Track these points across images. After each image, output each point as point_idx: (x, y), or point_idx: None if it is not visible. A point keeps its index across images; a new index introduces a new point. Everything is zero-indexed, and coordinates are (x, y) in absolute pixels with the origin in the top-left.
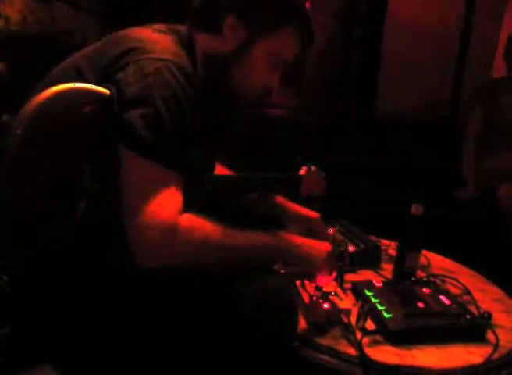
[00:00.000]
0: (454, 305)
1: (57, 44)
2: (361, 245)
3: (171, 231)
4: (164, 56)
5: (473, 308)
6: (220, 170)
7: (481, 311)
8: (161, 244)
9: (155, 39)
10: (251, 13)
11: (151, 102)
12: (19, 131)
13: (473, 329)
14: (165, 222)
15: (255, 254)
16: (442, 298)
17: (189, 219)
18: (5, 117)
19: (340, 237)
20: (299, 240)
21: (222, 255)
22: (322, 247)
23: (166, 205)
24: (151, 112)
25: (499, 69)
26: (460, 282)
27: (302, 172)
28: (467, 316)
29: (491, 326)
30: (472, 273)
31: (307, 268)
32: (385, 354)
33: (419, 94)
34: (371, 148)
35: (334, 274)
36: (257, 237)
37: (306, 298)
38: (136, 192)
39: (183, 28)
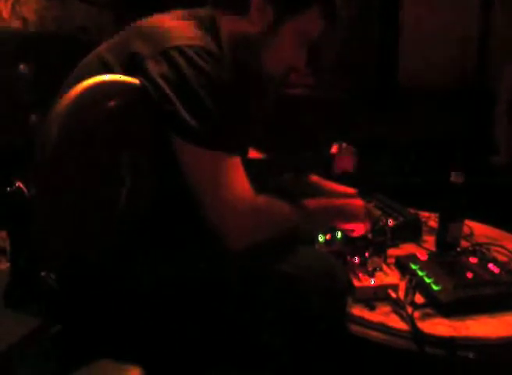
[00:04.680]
0: (504, 273)
1: (74, 41)
2: (401, 218)
3: (259, 208)
4: (190, 42)
5: None
6: (252, 154)
7: None
8: (254, 221)
9: (178, 26)
10: None
11: (191, 92)
12: (54, 130)
13: None
14: (250, 200)
15: (318, 218)
16: (490, 266)
17: (263, 197)
18: (33, 118)
19: (378, 212)
20: (339, 201)
21: (290, 224)
22: (357, 201)
23: (243, 186)
24: (194, 102)
25: None
26: (507, 249)
27: (334, 150)
28: None
29: None
30: None
31: (353, 220)
32: (438, 327)
33: (444, 60)
34: (398, 119)
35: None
36: (311, 205)
37: (352, 276)
38: (211, 181)
39: (203, 12)
